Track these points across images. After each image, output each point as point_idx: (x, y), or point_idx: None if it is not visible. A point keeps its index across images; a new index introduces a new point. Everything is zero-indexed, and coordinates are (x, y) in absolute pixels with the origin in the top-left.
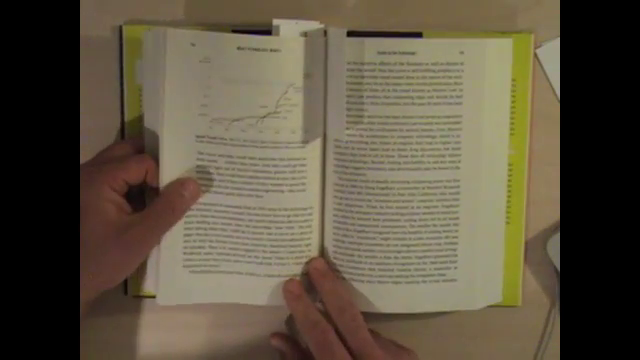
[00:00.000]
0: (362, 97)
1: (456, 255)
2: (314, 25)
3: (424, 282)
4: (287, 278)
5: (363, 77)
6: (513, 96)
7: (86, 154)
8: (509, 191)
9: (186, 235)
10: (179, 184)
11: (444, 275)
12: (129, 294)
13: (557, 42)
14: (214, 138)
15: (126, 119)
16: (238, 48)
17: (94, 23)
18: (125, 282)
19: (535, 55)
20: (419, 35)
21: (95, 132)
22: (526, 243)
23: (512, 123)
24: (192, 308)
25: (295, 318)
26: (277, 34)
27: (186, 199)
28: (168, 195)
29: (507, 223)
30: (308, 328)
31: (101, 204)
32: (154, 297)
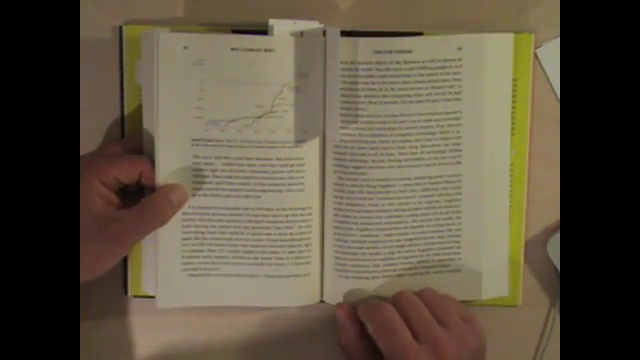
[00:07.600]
0: (359, 96)
1: (459, 247)
2: (313, 25)
3: (427, 273)
4: (287, 278)
5: (359, 76)
6: (513, 96)
7: None
8: (509, 191)
9: (184, 239)
10: (168, 189)
11: (448, 266)
12: (129, 294)
13: (557, 42)
14: (210, 140)
15: (126, 119)
16: (232, 49)
17: (94, 23)
18: (125, 282)
19: (535, 55)
20: (419, 35)
21: (95, 132)
22: (526, 243)
23: (512, 123)
24: (192, 308)
25: (358, 311)
26: (273, 34)
27: (174, 205)
28: (157, 198)
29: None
30: (367, 309)
31: (88, 196)
32: (154, 297)
